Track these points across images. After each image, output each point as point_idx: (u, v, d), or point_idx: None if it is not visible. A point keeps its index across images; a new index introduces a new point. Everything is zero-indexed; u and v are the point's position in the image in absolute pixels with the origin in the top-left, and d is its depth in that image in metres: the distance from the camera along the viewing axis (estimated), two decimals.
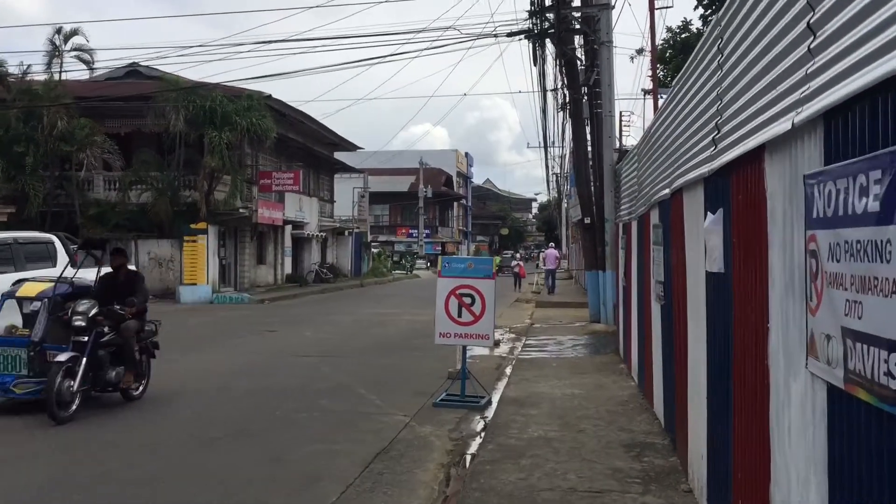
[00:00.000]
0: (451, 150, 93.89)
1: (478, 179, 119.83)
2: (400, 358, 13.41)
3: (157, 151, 28.45)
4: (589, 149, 17.98)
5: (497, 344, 15.39)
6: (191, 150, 27.72)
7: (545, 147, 31.41)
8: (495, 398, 9.51)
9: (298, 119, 35.99)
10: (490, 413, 8.69)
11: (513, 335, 17.14)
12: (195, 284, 27.04)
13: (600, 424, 7.54)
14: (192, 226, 27.07)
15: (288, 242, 38.16)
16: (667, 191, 6.58)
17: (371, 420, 8.58)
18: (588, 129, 17.86)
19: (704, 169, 4.77)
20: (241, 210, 29.56)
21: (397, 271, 57.37)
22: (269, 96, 30.76)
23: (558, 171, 55.85)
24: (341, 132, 43.49)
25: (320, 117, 42.17)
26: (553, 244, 43.73)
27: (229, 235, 31.77)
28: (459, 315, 9.68)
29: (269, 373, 11.81)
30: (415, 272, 58.32)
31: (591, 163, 17.97)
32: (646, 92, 22.61)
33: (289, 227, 37.79)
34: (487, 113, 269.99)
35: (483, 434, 7.59)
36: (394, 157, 77.59)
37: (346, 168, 48.71)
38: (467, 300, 9.67)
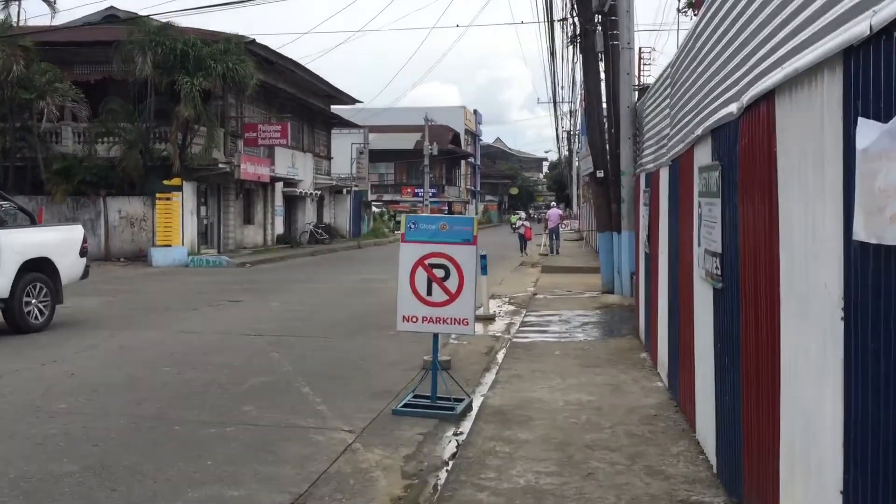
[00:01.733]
0: (458, 107, 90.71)
1: (488, 139, 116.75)
2: (370, 338, 11.03)
3: (129, 101, 25.87)
4: (603, 89, 15.35)
5: (492, 319, 13.02)
6: (164, 98, 25.12)
7: (554, 97, 28.79)
8: (477, 402, 7.16)
9: (289, 68, 33.28)
10: (466, 428, 6.33)
11: (512, 307, 14.74)
12: (169, 246, 24.69)
13: (619, 462, 5.12)
14: (166, 182, 24.64)
15: (279, 201, 35.71)
16: (732, 108, 4.09)
17: (302, 439, 6.22)
18: (602, 66, 15.22)
19: (861, 23, 2.28)
20: (221, 165, 27.07)
21: (400, 231, 54.76)
22: (253, 41, 28.12)
23: (569, 129, 53.07)
24: (340, 87, 40.70)
25: (306, 62, 39.23)
26: (555, 203, 42.65)
27: (212, 193, 29.37)
28: (429, 293, 7.26)
29: (203, 360, 9.46)
30: None
31: (605, 105, 15.36)
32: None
33: (280, 185, 35.30)
34: (498, 72, 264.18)
35: (447, 474, 5.21)
36: (398, 113, 74.65)
37: (344, 123, 45.99)
38: (439, 273, 7.24)
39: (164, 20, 24.69)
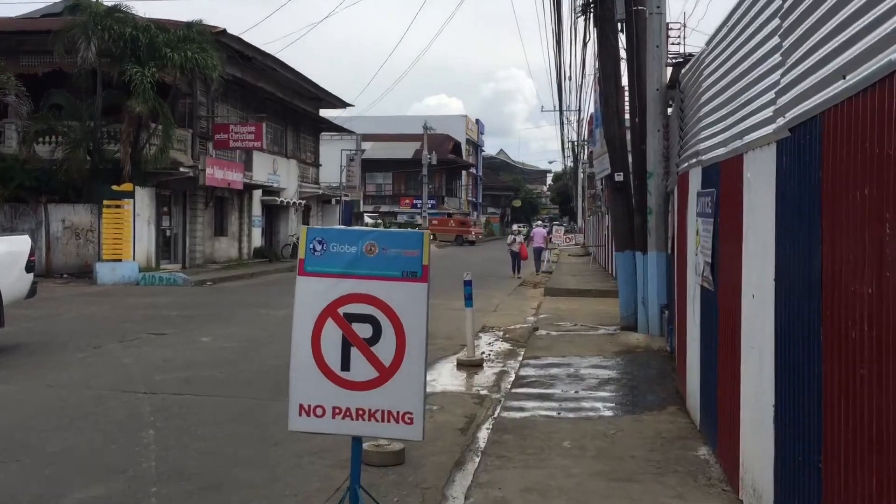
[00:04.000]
0: (460, 116, 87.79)
1: (491, 150, 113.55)
2: None
3: (78, 96, 22.79)
4: (624, 70, 12.22)
5: (479, 366, 9.85)
6: (117, 93, 21.99)
7: (559, 89, 25.60)
8: None
9: (269, 65, 30.08)
10: None
11: (507, 345, 11.63)
12: (119, 261, 21.50)
13: None
14: (115, 187, 21.48)
15: (257, 211, 32.55)
16: None
17: None
18: (622, 42, 12.07)
19: None
20: (182, 169, 23.94)
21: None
22: (224, 31, 25.00)
23: (574, 139, 50.00)
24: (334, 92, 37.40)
25: (280, 53, 36.04)
26: (541, 222, 41.31)
27: (176, 201, 26.24)
28: (345, 365, 4.11)
29: (34, 442, 6.30)
30: None
31: (626, 92, 12.24)
32: None
33: (258, 193, 32.16)
34: (504, 84, 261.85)
35: None
36: (397, 122, 71.65)
37: (333, 127, 42.86)
38: (363, 331, 4.09)
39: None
